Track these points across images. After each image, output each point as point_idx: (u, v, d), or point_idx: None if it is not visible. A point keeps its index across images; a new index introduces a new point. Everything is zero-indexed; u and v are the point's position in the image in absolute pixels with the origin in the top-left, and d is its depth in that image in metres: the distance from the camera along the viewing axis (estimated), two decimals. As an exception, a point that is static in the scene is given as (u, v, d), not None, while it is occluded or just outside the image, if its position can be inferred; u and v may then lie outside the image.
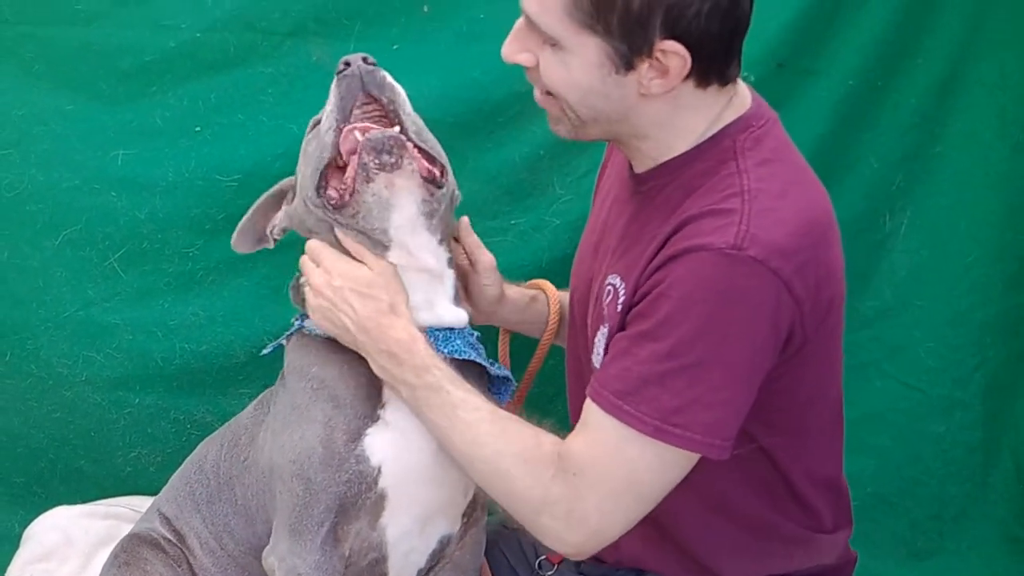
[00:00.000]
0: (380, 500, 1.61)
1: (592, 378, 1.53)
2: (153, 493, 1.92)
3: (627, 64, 1.47)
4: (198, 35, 2.14)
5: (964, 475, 2.48)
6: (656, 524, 1.67)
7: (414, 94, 2.22)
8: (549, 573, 1.88)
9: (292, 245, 1.73)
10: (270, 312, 2.21)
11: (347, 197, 1.56)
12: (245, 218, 1.75)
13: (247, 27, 2.15)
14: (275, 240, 1.76)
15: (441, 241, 1.64)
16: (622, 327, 1.54)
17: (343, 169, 1.58)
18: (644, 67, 1.47)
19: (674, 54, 1.44)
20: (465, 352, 1.64)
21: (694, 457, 1.49)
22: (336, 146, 1.56)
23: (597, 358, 1.61)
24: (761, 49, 2.18)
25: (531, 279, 2.02)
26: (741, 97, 1.58)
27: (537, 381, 2.27)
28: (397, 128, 1.56)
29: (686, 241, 1.45)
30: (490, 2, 2.16)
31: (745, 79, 1.62)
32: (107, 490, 2.31)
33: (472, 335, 1.69)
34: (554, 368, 2.06)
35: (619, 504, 1.50)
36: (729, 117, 1.56)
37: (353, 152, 1.54)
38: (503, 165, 2.25)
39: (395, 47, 2.18)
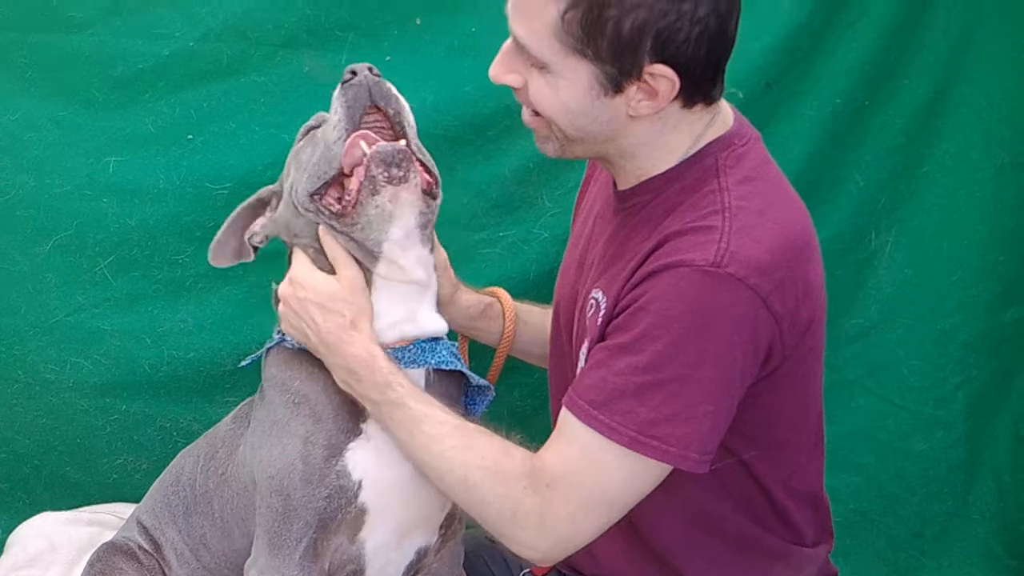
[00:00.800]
0: (360, 514, 1.61)
1: (569, 388, 1.54)
2: (138, 500, 1.92)
3: (616, 87, 1.48)
4: (191, 44, 2.14)
5: (946, 493, 2.48)
6: (637, 537, 1.68)
7: (405, 106, 2.23)
8: (532, 586, 1.89)
9: (280, 254, 1.73)
10: (259, 320, 2.21)
11: (349, 208, 1.55)
12: (221, 231, 1.73)
13: (240, 37, 2.15)
14: (255, 249, 1.75)
15: (431, 250, 1.65)
16: (602, 340, 1.54)
17: (341, 178, 1.57)
18: (633, 90, 1.48)
19: (663, 77, 1.46)
20: (451, 363, 1.65)
21: (667, 468, 1.49)
22: (343, 154, 1.54)
23: (581, 371, 1.62)
24: (749, 68, 2.20)
25: (519, 291, 2.03)
26: (723, 115, 1.60)
27: (520, 395, 2.28)
28: (403, 141, 1.56)
29: (667, 257, 1.46)
30: (482, 16, 2.17)
31: (733, 96, 1.63)
32: (92, 497, 2.31)
33: (454, 344, 1.70)
34: (538, 381, 2.07)
35: (590, 513, 1.51)
36: (712, 135, 1.57)
37: (357, 163, 1.54)
38: (492, 178, 2.26)
39: (387, 59, 2.18)
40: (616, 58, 1.45)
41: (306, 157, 1.62)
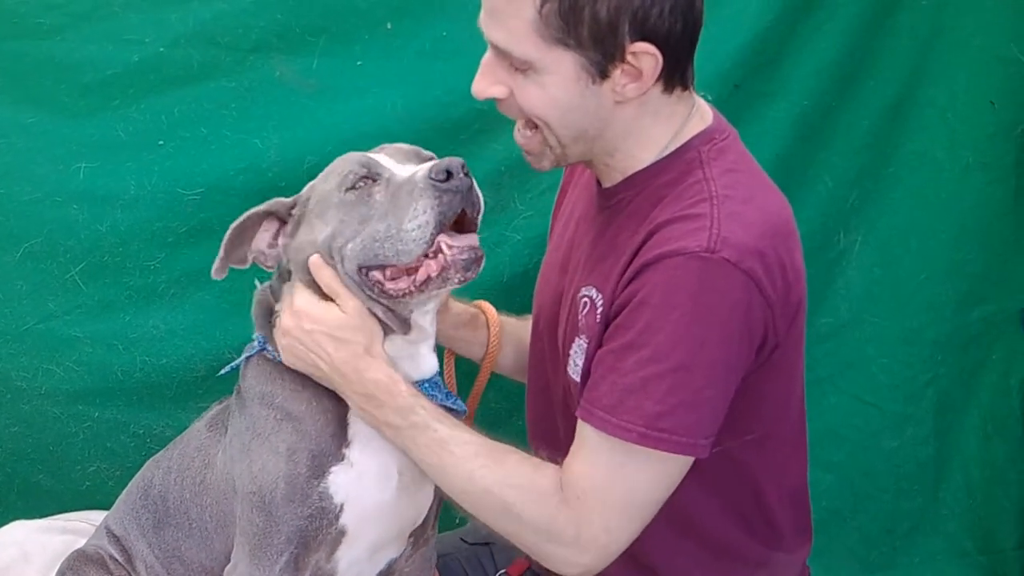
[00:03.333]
0: (339, 535, 1.61)
1: (582, 399, 1.54)
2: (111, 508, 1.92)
3: (602, 72, 1.50)
4: (162, 50, 2.14)
5: (916, 490, 2.51)
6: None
7: (376, 110, 2.23)
8: (509, 588, 1.89)
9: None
10: (231, 326, 2.21)
11: (412, 295, 1.55)
12: (228, 243, 1.64)
13: (210, 42, 2.15)
14: (252, 263, 1.69)
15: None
16: (601, 338, 1.55)
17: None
18: (618, 73, 1.50)
19: (646, 55, 1.48)
20: (432, 394, 1.65)
21: (687, 460, 1.50)
22: (423, 253, 1.52)
23: (574, 369, 1.63)
24: (718, 70, 2.21)
25: (493, 294, 2.03)
26: (702, 111, 1.62)
27: (495, 397, 2.28)
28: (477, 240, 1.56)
29: (659, 247, 1.47)
30: (453, 21, 2.18)
31: (703, 99, 1.65)
32: (65, 504, 2.29)
33: (438, 375, 1.70)
34: (512, 385, 2.07)
35: (623, 519, 1.51)
36: (692, 130, 1.59)
37: (430, 255, 1.53)
38: (464, 182, 2.26)
39: (358, 63, 2.19)
40: (598, 43, 1.47)
41: (358, 216, 1.56)
